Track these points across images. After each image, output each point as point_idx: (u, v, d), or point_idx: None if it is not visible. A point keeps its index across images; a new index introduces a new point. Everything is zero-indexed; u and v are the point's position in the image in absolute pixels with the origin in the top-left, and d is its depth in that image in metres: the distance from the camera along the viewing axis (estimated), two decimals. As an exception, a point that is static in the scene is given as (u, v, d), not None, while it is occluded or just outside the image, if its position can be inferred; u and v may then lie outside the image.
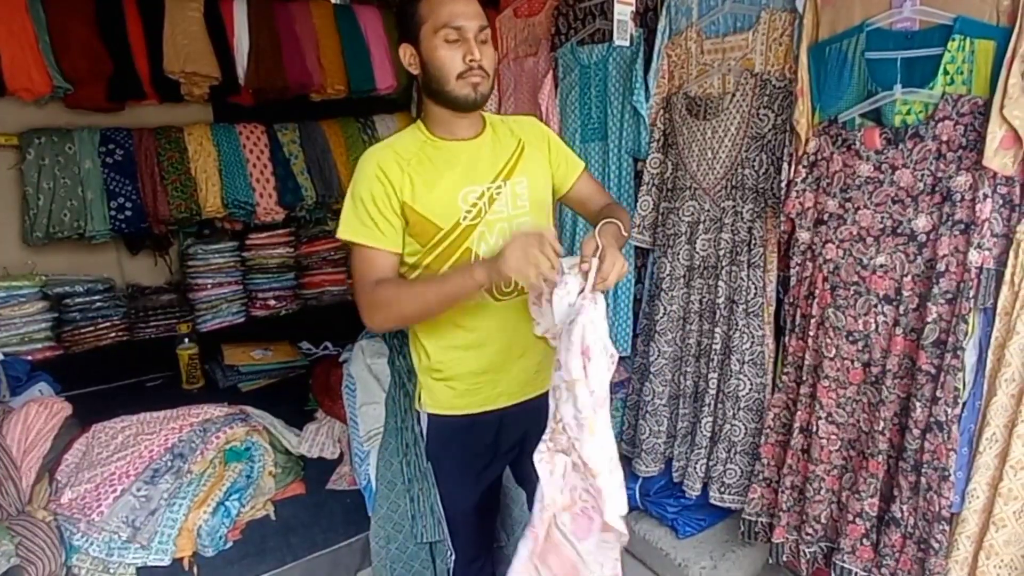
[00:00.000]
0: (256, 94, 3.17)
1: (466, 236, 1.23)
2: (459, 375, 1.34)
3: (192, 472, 1.90)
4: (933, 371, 1.48)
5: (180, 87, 3.01)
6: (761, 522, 1.88)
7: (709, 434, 1.98)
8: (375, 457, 2.03)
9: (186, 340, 2.95)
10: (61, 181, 2.86)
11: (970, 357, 1.47)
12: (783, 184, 1.74)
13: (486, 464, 1.44)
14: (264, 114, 3.32)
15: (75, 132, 2.93)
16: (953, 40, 1.38)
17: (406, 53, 1.22)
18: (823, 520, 1.73)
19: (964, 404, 1.48)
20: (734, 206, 1.88)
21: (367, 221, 1.21)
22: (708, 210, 1.93)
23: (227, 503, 1.90)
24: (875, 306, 1.58)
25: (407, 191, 1.21)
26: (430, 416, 1.41)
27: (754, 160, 1.82)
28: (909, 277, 1.51)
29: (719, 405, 1.96)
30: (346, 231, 1.24)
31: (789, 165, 1.72)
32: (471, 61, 1.16)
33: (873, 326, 1.59)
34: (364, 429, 2.08)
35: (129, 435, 1.99)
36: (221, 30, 3.06)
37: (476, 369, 1.34)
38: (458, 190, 1.23)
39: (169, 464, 1.89)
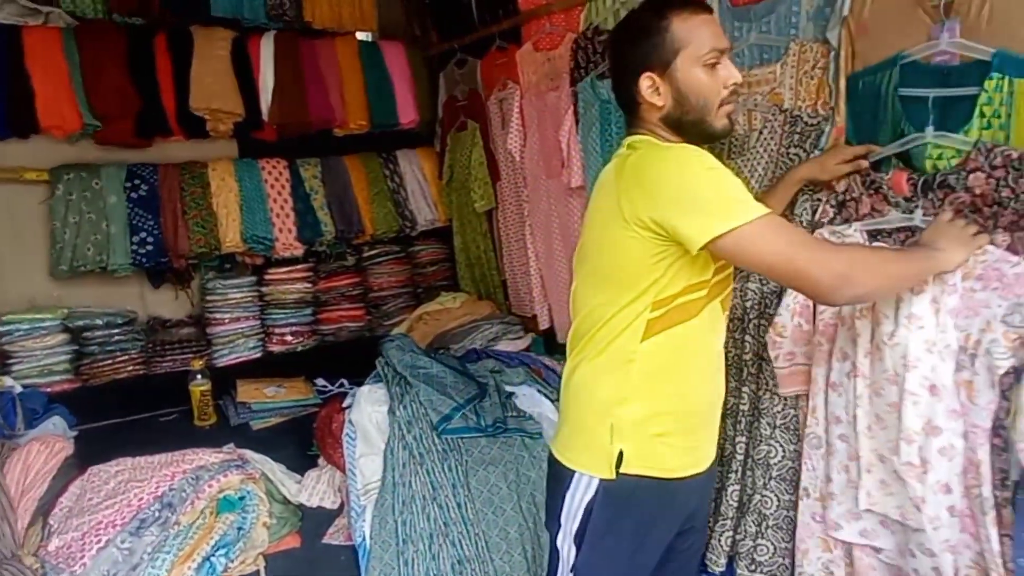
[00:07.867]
0: (279, 129, 3.19)
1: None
2: (679, 429, 1.13)
3: (180, 523, 1.81)
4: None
5: (206, 123, 3.05)
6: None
7: (736, 504, 1.79)
8: (371, 513, 1.91)
9: (199, 376, 2.91)
10: (86, 216, 2.91)
11: None
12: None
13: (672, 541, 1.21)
14: (289, 149, 3.33)
15: (103, 168, 2.98)
16: (991, 79, 1.20)
17: (651, 83, 1.07)
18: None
19: None
20: (760, 253, 1.72)
21: (744, 190, 0.99)
22: (732, 256, 1.78)
23: (213, 558, 1.80)
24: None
25: None
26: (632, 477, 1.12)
27: (782, 203, 1.67)
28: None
29: (747, 472, 1.77)
30: (734, 214, 0.94)
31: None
32: (733, 84, 1.06)
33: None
34: (362, 482, 1.97)
35: (121, 481, 1.92)
36: (247, 67, 3.10)
37: (694, 414, 1.15)
38: None
39: (157, 514, 1.81)
